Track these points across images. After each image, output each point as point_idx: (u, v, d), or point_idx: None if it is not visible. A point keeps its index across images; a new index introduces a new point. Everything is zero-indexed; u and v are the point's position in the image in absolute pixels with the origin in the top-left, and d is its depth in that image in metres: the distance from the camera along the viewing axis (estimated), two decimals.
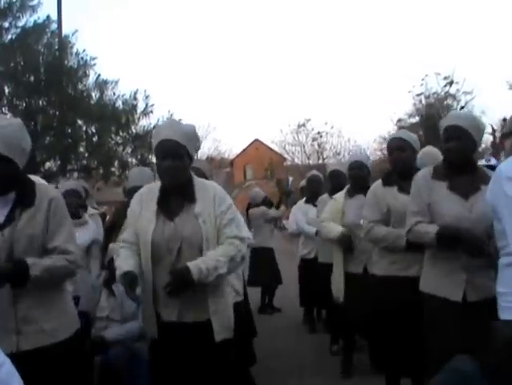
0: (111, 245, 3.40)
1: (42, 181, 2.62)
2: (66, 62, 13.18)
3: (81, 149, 13.83)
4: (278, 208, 7.51)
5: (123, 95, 13.86)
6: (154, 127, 13.97)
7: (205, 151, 34.26)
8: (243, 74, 60.29)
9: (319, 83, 59.45)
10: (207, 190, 2.50)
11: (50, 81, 12.47)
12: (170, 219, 2.42)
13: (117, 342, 3.34)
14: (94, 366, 3.30)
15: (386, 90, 55.95)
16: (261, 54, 64.87)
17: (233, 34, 66.64)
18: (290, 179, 11.80)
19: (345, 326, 4.27)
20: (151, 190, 2.52)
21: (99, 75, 13.74)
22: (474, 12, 57.70)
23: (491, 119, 24.01)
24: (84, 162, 13.90)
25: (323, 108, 57.86)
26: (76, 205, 3.96)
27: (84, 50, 13.55)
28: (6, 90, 12.74)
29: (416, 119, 23.56)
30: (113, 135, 13.83)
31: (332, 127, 31.42)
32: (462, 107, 21.18)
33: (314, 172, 6.19)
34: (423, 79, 23.12)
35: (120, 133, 13.72)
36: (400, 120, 23.29)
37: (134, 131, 13.85)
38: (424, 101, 23.34)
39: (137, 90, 13.90)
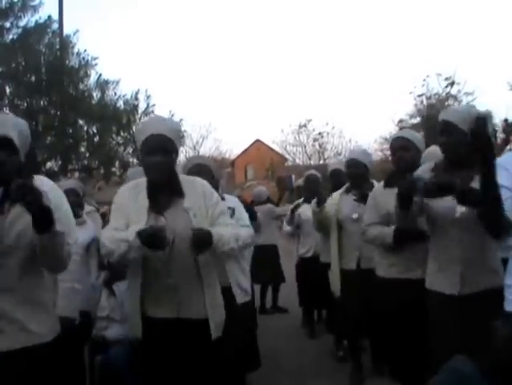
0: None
1: (47, 180, 2.61)
2: (67, 62, 13.22)
3: (82, 149, 13.86)
4: (277, 206, 7.51)
5: (124, 95, 13.92)
6: None
7: (206, 151, 34.38)
8: (244, 74, 60.39)
9: (320, 84, 59.47)
10: (195, 186, 2.50)
11: (51, 81, 12.50)
12: (160, 214, 2.39)
13: (118, 342, 3.34)
14: (94, 365, 3.31)
15: (387, 90, 56.02)
16: (262, 54, 64.91)
17: (234, 34, 66.70)
18: (293, 176, 11.76)
19: (347, 326, 4.24)
20: (137, 186, 2.49)
21: (100, 75, 13.81)
22: (476, 13, 57.69)
23: (492, 120, 23.97)
24: (85, 162, 13.92)
25: (324, 109, 57.90)
26: (76, 204, 3.96)
27: (85, 50, 13.63)
28: (8, 90, 12.78)
29: (418, 119, 23.54)
30: (114, 136, 13.86)
31: (333, 128, 31.47)
32: None
33: (312, 171, 6.13)
34: (424, 80, 23.14)
35: (121, 133, 13.74)
36: (401, 121, 23.28)
37: (135, 131, 13.85)
38: (425, 102, 23.34)
39: (138, 90, 13.96)
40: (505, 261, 2.34)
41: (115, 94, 13.90)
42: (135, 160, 13.92)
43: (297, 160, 33.17)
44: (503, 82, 36.19)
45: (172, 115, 14.19)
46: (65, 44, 13.17)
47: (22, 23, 12.95)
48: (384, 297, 3.17)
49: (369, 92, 47.46)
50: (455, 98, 22.59)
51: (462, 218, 2.41)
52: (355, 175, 4.04)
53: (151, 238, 2.21)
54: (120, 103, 13.81)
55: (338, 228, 4.16)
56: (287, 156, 34.12)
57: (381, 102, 55.52)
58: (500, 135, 16.53)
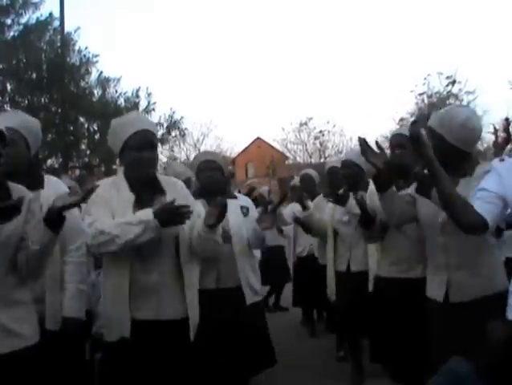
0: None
1: (53, 178, 2.63)
2: (68, 59, 13.22)
3: (83, 146, 13.87)
4: (279, 206, 7.49)
5: (125, 93, 13.94)
6: (156, 125, 13.98)
7: (206, 149, 34.33)
8: (245, 72, 60.33)
9: (321, 82, 59.42)
10: (175, 185, 2.50)
11: (52, 78, 12.52)
12: None
13: None
14: (94, 362, 3.31)
15: (388, 89, 56.00)
16: (263, 52, 64.85)
17: (235, 32, 66.68)
18: (295, 177, 11.75)
19: (344, 327, 4.22)
20: (115, 181, 2.44)
21: (101, 73, 13.83)
22: (477, 12, 57.64)
23: (493, 119, 23.99)
24: (86, 159, 13.93)
25: (325, 107, 57.82)
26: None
27: (86, 48, 13.65)
28: (8, 87, 12.81)
29: None
30: None
31: (334, 126, 31.41)
32: None
33: (307, 170, 6.04)
34: (425, 79, 23.10)
35: None
36: (402, 119, 23.22)
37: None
38: (426, 100, 23.31)
39: (139, 87, 13.97)
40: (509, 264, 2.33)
41: (116, 91, 13.95)
42: None
43: (298, 159, 33.17)
44: (504, 80, 36.21)
45: (173, 113, 14.23)
46: (66, 41, 13.15)
47: (23, 20, 13.01)
48: (383, 296, 3.15)
49: (370, 90, 47.48)
50: (456, 96, 22.56)
51: (444, 223, 2.37)
52: (348, 175, 4.02)
53: (171, 215, 2.19)
54: (121, 101, 13.83)
55: (334, 233, 4.17)
56: (288, 154, 34.13)
57: (382, 100, 55.55)
58: (501, 134, 16.49)
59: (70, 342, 2.46)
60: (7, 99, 12.75)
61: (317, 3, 61.76)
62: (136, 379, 2.30)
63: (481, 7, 54.51)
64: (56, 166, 13.28)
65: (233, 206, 3.26)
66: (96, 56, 13.70)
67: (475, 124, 2.39)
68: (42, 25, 13.12)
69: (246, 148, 40.99)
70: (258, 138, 40.04)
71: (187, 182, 4.17)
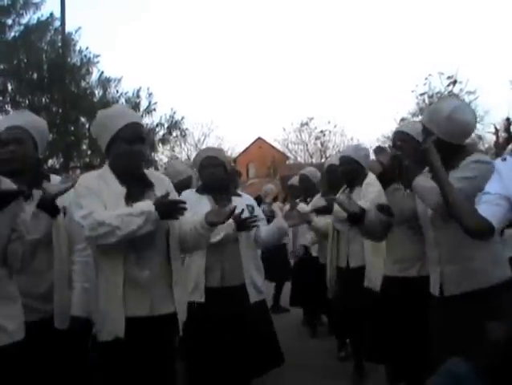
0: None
1: (58, 178, 2.65)
2: (69, 59, 13.21)
3: (84, 147, 13.86)
4: (284, 204, 7.51)
5: (126, 93, 13.95)
6: (157, 125, 14.01)
7: None
8: (246, 72, 60.32)
9: (322, 82, 59.41)
10: (162, 179, 2.50)
11: (53, 78, 12.52)
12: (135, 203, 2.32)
13: None
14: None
15: (389, 89, 55.93)
16: (264, 52, 64.84)
17: (236, 31, 66.67)
18: (295, 177, 11.75)
19: (346, 326, 4.20)
20: (101, 175, 2.39)
21: (102, 73, 13.83)
22: (478, 12, 57.60)
23: (494, 119, 23.97)
24: (87, 159, 13.92)
25: (326, 107, 57.73)
26: None
27: (87, 48, 13.66)
28: (9, 87, 12.81)
29: (419, 118, 23.50)
30: None
31: (335, 126, 31.37)
32: None
33: (305, 170, 5.99)
34: (426, 79, 23.11)
35: None
36: (403, 119, 23.15)
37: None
38: (427, 100, 23.29)
39: (140, 88, 13.97)
40: None
41: (117, 91, 13.96)
42: None
43: (299, 159, 33.13)
44: (505, 80, 36.14)
45: (174, 113, 14.23)
46: (67, 42, 13.13)
47: (24, 21, 13.00)
48: (384, 295, 3.11)
49: (371, 91, 47.47)
50: (457, 97, 22.54)
51: (433, 217, 2.38)
52: (347, 171, 4.01)
53: (169, 208, 2.20)
54: (122, 101, 13.80)
55: (335, 230, 4.15)
56: (289, 155, 34.11)
57: (383, 100, 55.45)
58: (502, 134, 16.47)
59: (76, 341, 2.46)
60: (8, 99, 12.76)
61: (317, 3, 61.79)
62: (132, 378, 2.27)
63: (482, 7, 54.47)
64: (57, 166, 13.27)
65: (240, 204, 3.25)
66: (97, 56, 13.74)
67: (461, 116, 2.35)
68: (43, 25, 13.12)
69: (247, 148, 40.99)
70: (259, 138, 40.03)
71: (188, 180, 4.16)
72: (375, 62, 58.19)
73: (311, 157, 32.40)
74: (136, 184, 2.37)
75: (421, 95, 23.39)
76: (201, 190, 3.34)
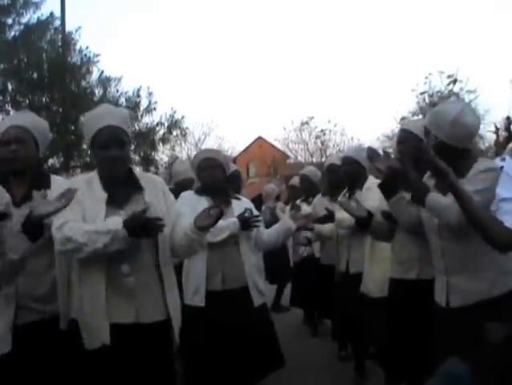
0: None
1: (59, 178, 2.65)
2: (69, 58, 13.18)
3: (84, 146, 13.79)
4: (287, 204, 7.50)
5: (126, 92, 13.90)
6: (157, 124, 14.01)
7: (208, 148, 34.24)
8: (246, 71, 60.22)
9: (323, 81, 59.34)
10: (155, 182, 2.41)
11: (53, 78, 12.47)
12: (120, 208, 2.26)
13: None
14: None
15: (389, 88, 55.78)
16: (264, 51, 64.79)
17: (236, 31, 66.59)
18: (295, 177, 11.74)
19: (347, 331, 4.15)
20: (89, 179, 2.34)
21: (102, 72, 13.78)
22: (479, 11, 57.51)
23: (495, 118, 23.98)
24: (87, 159, 13.87)
25: (327, 106, 57.59)
26: None
27: (87, 47, 13.59)
28: (10, 86, 12.74)
29: (420, 117, 23.45)
30: None
31: (335, 125, 31.32)
32: None
33: (305, 170, 5.96)
34: (426, 78, 23.06)
35: None
36: (403, 119, 23.16)
37: (137, 128, 13.85)
38: (427, 99, 23.26)
39: (140, 87, 13.92)
40: None
41: (117, 91, 13.89)
42: (137, 157, 13.91)
43: (299, 158, 33.10)
44: (506, 80, 36.15)
45: (175, 112, 14.20)
46: (67, 41, 13.12)
47: (24, 20, 12.93)
48: (389, 297, 3.06)
49: (371, 90, 47.30)
50: (457, 96, 22.50)
51: (440, 227, 2.34)
52: (349, 172, 3.98)
53: (141, 225, 2.09)
54: (122, 100, 13.76)
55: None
56: (289, 154, 34.06)
57: (383, 99, 55.23)
58: (502, 133, 16.46)
59: (75, 342, 2.47)
60: (8, 98, 12.71)
61: (318, 3, 61.72)
62: None
63: (483, 6, 54.40)
64: (57, 165, 13.27)
65: (239, 207, 3.25)
66: (97, 56, 13.68)
67: (466, 120, 2.32)
68: (43, 24, 13.07)
69: (248, 148, 40.94)
70: (260, 137, 39.99)
71: (191, 182, 4.13)
72: (376, 61, 58.12)
73: (312, 156, 32.37)
74: (122, 188, 2.29)
75: (421, 94, 23.37)
76: (199, 191, 3.30)
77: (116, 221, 2.13)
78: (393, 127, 24.19)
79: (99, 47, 38.38)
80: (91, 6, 47.57)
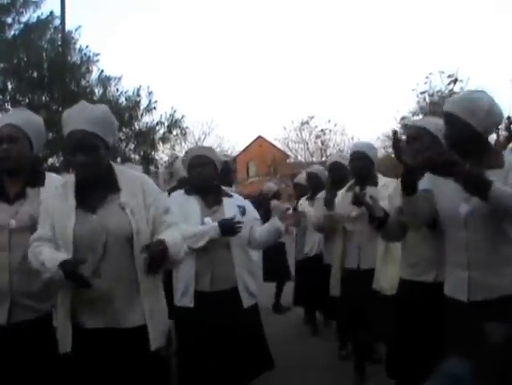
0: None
1: (53, 175, 2.63)
2: (69, 58, 13.13)
3: None
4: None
5: (126, 92, 13.84)
6: (157, 124, 14.00)
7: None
8: (246, 70, 60.18)
9: (323, 81, 59.38)
10: (132, 179, 2.28)
11: (53, 77, 12.42)
12: (92, 212, 2.19)
13: None
14: None
15: (390, 88, 55.81)
16: (264, 50, 64.81)
17: (236, 30, 66.56)
18: (300, 175, 11.72)
19: (352, 327, 4.10)
20: (67, 182, 2.28)
21: (102, 71, 13.73)
22: (479, 10, 57.47)
23: None
24: None
25: (327, 106, 57.73)
26: None
27: (87, 46, 13.54)
28: (9, 85, 12.70)
29: (420, 117, 23.44)
30: (116, 132, 13.76)
31: (336, 125, 31.35)
32: None
33: (312, 168, 5.93)
34: (427, 77, 23.02)
35: (123, 129, 13.67)
36: (403, 118, 23.15)
37: (137, 127, 13.82)
38: (427, 99, 23.23)
39: (140, 86, 13.87)
40: None
41: (117, 90, 13.83)
42: (137, 157, 13.89)
43: (299, 157, 33.12)
44: (507, 79, 36.09)
45: (175, 112, 14.17)
46: (67, 40, 13.07)
47: (23, 19, 12.89)
48: (398, 299, 2.98)
49: (371, 89, 47.41)
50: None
51: (467, 218, 2.24)
52: (359, 168, 3.86)
53: (72, 273, 2.03)
54: (122, 100, 13.73)
55: (343, 228, 4.03)
56: (289, 153, 34.07)
57: (384, 99, 55.27)
58: (503, 133, 16.43)
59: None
60: (8, 97, 12.67)
61: (318, 2, 61.65)
62: None
63: (484, 5, 54.36)
64: (57, 164, 13.24)
65: (231, 206, 3.17)
66: (97, 55, 13.63)
67: (499, 110, 2.34)
68: (43, 23, 13.02)
69: (248, 147, 40.95)
70: (260, 137, 40.02)
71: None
72: (376, 60, 58.12)
73: (312, 156, 32.36)
74: (97, 191, 2.22)
75: (422, 93, 23.33)
76: (189, 191, 3.22)
77: (53, 260, 2.08)
78: (393, 126, 24.14)
79: (99, 46, 38.27)
80: (91, 5, 47.68)
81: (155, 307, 2.23)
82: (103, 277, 2.13)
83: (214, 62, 63.92)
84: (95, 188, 2.23)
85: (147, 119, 13.95)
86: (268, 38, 65.23)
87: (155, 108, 13.94)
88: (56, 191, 2.28)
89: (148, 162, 13.89)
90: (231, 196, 3.31)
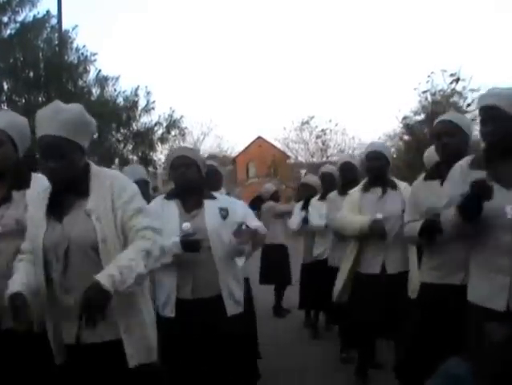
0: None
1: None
2: (66, 57, 13.08)
3: None
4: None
5: (124, 92, 13.87)
6: (155, 124, 13.91)
7: (207, 148, 34.30)
8: (246, 70, 60.21)
9: (323, 80, 59.34)
10: (103, 181, 2.13)
11: (49, 77, 12.38)
12: (59, 220, 2.10)
13: None
14: None
15: (391, 87, 55.74)
16: (264, 50, 64.82)
17: (235, 30, 66.60)
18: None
19: (358, 332, 3.97)
20: (46, 189, 2.18)
21: (99, 71, 13.70)
22: (481, 9, 57.45)
23: None
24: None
25: (327, 105, 57.78)
26: None
27: (84, 46, 13.53)
28: (5, 86, 12.66)
29: (422, 116, 23.35)
30: (114, 132, 13.75)
31: (336, 125, 31.21)
32: (469, 105, 20.96)
33: (326, 167, 5.81)
34: (429, 76, 22.87)
35: (121, 130, 13.63)
36: (405, 118, 23.06)
37: (135, 128, 13.81)
38: (429, 98, 23.12)
39: (138, 86, 13.88)
40: None
41: (115, 90, 13.87)
42: (135, 157, 13.81)
43: (299, 158, 33.01)
44: (509, 78, 36.00)
45: (173, 112, 14.11)
46: (64, 39, 12.99)
47: (20, 18, 12.80)
48: (419, 303, 2.90)
49: (373, 89, 47.43)
50: (460, 94, 22.39)
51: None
52: (377, 168, 3.76)
53: (13, 309, 1.98)
54: (120, 100, 13.77)
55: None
56: (289, 154, 33.94)
57: (385, 99, 55.26)
58: None
59: None
60: (4, 98, 12.61)
61: (318, 2, 61.68)
62: None
63: (486, 4, 54.37)
64: None
65: (212, 209, 2.97)
66: (94, 54, 13.60)
67: None
68: (40, 23, 12.95)
69: (247, 148, 40.93)
70: (259, 137, 39.94)
71: None
72: (377, 60, 58.12)
73: (312, 156, 32.26)
74: (68, 196, 2.13)
75: (424, 92, 23.17)
76: (169, 195, 3.05)
77: (13, 288, 2.03)
78: (395, 126, 24.09)
79: (96, 46, 38.41)
80: (88, 4, 47.74)
81: (131, 321, 2.09)
82: (71, 292, 2.05)
83: (213, 61, 63.99)
84: (66, 193, 2.14)
85: (145, 119, 13.97)
86: (268, 38, 65.34)
87: (153, 108, 13.96)
88: (38, 197, 2.22)
89: (146, 163, 13.82)
90: (214, 198, 3.09)
